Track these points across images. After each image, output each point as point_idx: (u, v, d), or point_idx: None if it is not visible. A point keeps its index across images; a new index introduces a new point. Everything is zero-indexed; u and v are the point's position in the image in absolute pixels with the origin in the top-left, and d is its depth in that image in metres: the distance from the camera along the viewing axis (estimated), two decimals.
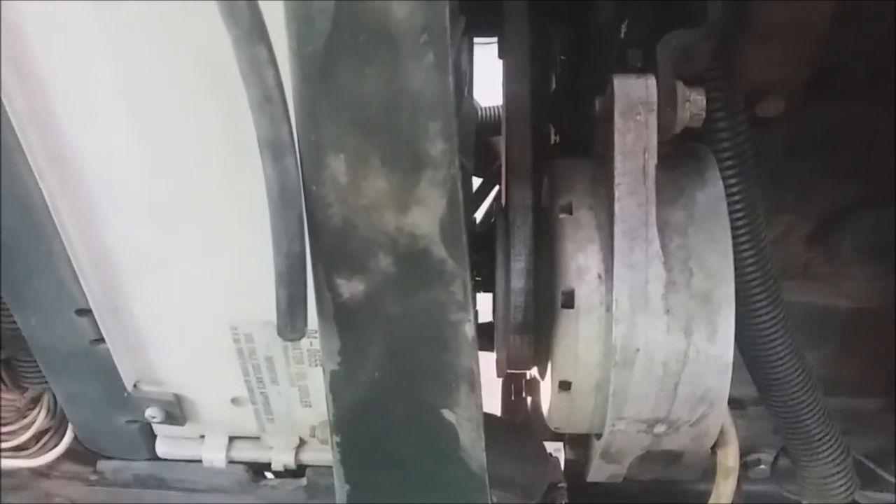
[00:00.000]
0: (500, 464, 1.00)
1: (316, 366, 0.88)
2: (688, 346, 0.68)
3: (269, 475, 1.06)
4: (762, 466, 1.19)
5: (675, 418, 0.70)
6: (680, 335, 0.68)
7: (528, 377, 1.31)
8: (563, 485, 1.22)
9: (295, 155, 0.59)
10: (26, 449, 0.99)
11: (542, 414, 1.22)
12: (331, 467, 0.92)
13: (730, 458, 0.79)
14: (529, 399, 1.30)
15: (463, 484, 0.80)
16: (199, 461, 1.00)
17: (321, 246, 0.65)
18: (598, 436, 0.77)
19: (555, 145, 1.01)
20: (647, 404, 0.70)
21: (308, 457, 0.99)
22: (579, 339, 0.70)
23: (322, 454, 0.98)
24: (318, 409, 0.93)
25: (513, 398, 1.34)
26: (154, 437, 1.00)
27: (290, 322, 0.65)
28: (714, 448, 0.78)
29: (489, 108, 1.48)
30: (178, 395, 0.93)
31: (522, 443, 1.18)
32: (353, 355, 0.72)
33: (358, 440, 0.81)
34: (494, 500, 0.99)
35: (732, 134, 0.79)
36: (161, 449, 1.00)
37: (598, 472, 0.82)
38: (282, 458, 0.99)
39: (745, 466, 1.21)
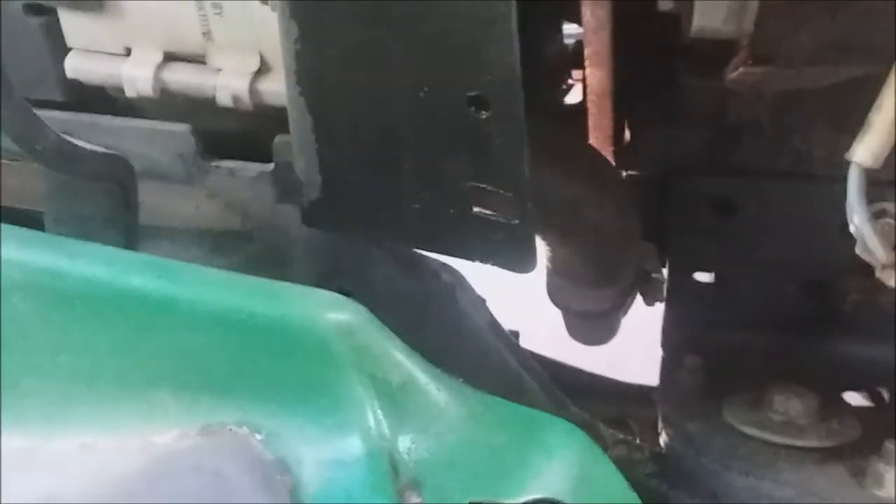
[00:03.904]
0: (558, 180, 0.65)
1: None
2: None
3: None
4: None
5: None
6: None
7: None
8: (661, 277, 0.83)
9: None
10: None
11: None
12: None
13: None
14: None
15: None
16: (121, 91, 0.70)
17: None
18: None
19: None
20: None
21: (269, 87, 0.67)
22: None
23: None
24: None
25: None
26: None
27: None
28: None
29: None
30: None
31: (602, 173, 0.81)
32: None
33: None
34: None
35: None
36: (70, 64, 0.70)
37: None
38: (232, 85, 0.67)
39: None
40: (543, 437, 0.63)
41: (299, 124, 0.58)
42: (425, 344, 0.78)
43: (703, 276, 0.96)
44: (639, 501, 0.63)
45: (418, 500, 0.59)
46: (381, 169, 0.59)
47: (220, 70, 0.67)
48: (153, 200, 0.77)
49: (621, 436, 0.86)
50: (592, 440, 0.63)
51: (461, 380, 0.66)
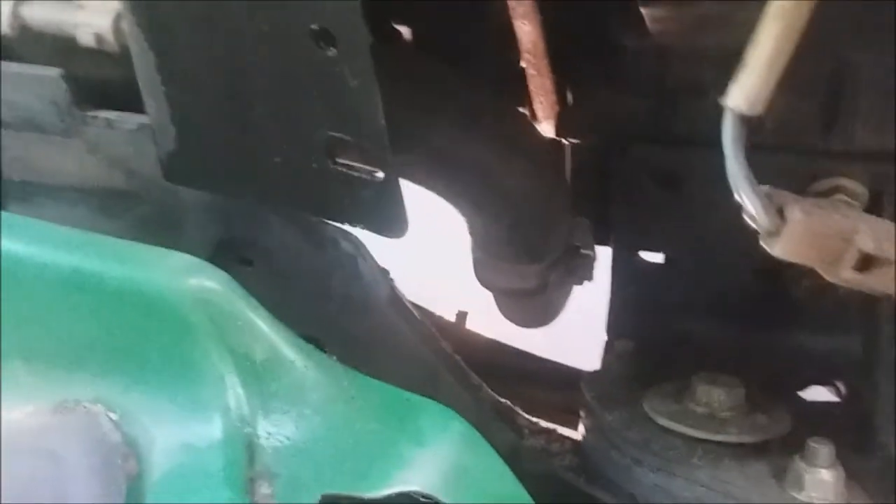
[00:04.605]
0: (467, 139, 0.58)
1: None
2: None
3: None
4: None
5: None
6: None
7: None
8: (592, 254, 0.76)
9: None
10: None
11: None
12: None
13: None
14: None
15: None
16: None
17: None
18: None
19: None
20: None
21: None
22: None
23: None
24: None
25: None
26: None
27: None
28: None
29: None
30: None
31: (523, 138, 0.74)
32: None
33: None
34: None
35: None
36: None
37: None
38: (94, 23, 0.60)
39: None
40: (417, 423, 0.56)
41: (142, 61, 0.52)
42: (327, 322, 0.71)
43: (652, 257, 0.89)
44: (524, 494, 0.56)
45: (268, 492, 0.53)
46: (235, 116, 0.52)
47: (81, 6, 0.61)
48: (31, 154, 0.71)
49: (543, 425, 0.79)
50: (473, 427, 0.57)
51: (335, 357, 0.60)
